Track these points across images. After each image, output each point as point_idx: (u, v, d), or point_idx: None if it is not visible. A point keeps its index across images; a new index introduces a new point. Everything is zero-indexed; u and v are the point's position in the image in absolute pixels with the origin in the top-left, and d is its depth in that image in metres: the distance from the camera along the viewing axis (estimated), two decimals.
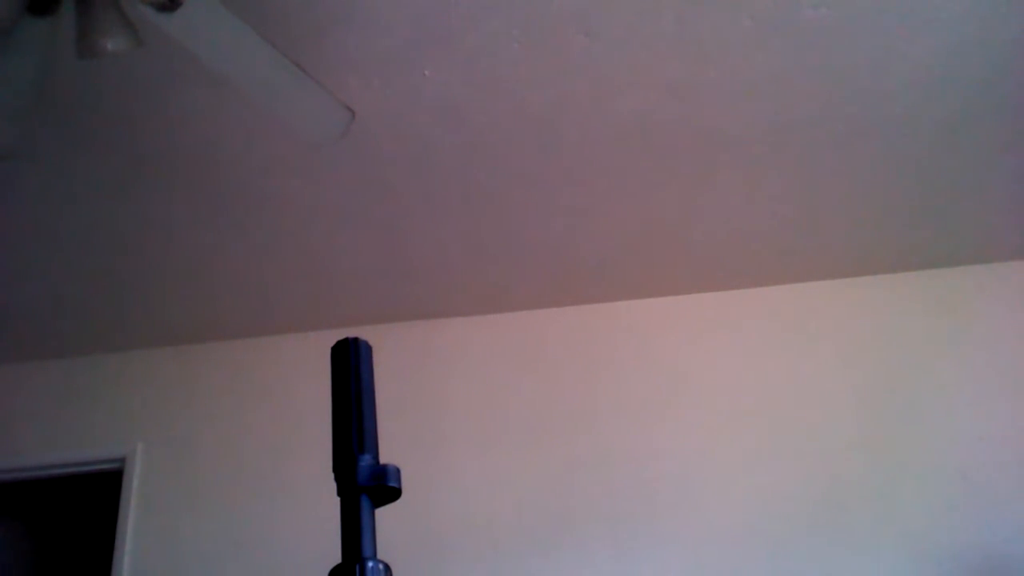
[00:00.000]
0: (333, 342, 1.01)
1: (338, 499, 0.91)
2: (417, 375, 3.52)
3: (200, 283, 3.32)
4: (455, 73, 2.41)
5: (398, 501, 0.92)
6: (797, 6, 2.26)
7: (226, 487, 3.40)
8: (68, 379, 3.71)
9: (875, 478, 3.13)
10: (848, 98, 2.58)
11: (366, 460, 0.92)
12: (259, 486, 3.38)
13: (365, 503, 0.90)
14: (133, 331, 3.60)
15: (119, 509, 3.41)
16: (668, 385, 3.40)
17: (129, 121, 2.53)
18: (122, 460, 3.49)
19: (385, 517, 0.97)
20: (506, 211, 3.01)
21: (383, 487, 0.91)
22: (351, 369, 0.98)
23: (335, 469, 0.93)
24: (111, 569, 3.30)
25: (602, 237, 3.18)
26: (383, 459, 0.93)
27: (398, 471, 0.91)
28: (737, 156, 2.80)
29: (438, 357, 3.56)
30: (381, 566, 0.87)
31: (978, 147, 2.82)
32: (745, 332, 3.47)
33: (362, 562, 0.87)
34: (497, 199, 2.95)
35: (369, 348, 1.01)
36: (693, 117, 2.63)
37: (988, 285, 3.42)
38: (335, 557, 0.91)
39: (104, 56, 1.65)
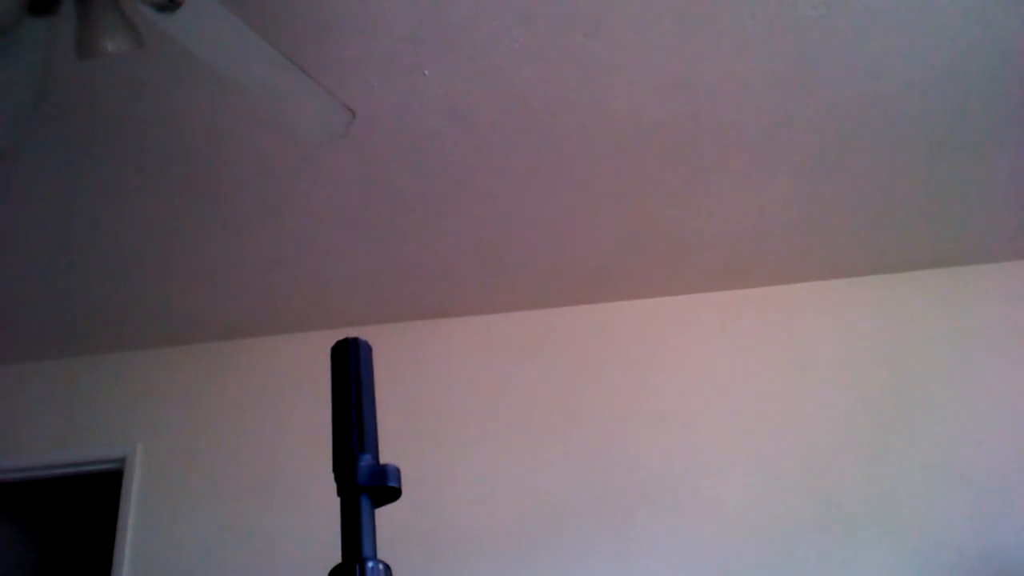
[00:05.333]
0: (333, 342, 1.01)
1: (338, 499, 0.91)
2: (417, 375, 3.52)
3: (200, 283, 3.32)
4: (455, 73, 2.41)
5: (398, 501, 0.92)
6: (797, 6, 2.26)
7: (226, 487, 3.40)
8: (68, 379, 3.71)
9: (875, 479, 3.13)
10: (849, 98, 2.58)
11: (366, 460, 0.92)
12: (259, 486, 3.38)
13: (365, 503, 0.90)
14: (133, 331, 3.60)
15: (119, 509, 3.41)
16: (668, 385, 3.40)
17: (129, 121, 2.53)
18: (122, 460, 3.49)
19: (385, 517, 0.97)
20: (506, 211, 3.01)
21: (383, 487, 0.91)
22: (351, 369, 0.98)
23: (335, 469, 0.93)
24: (111, 569, 3.30)
25: (602, 237, 3.18)
26: (383, 459, 0.93)
27: (398, 471, 0.91)
28: (737, 156, 2.80)
29: (437, 357, 3.56)
30: (381, 566, 0.87)
31: (978, 147, 2.82)
32: (745, 332, 3.47)
33: (362, 562, 0.87)
34: (497, 199, 2.95)
35: (369, 348, 1.01)
36: (693, 117, 2.63)
37: (988, 285, 3.42)
38: (335, 557, 0.91)
39: (104, 56, 1.65)
